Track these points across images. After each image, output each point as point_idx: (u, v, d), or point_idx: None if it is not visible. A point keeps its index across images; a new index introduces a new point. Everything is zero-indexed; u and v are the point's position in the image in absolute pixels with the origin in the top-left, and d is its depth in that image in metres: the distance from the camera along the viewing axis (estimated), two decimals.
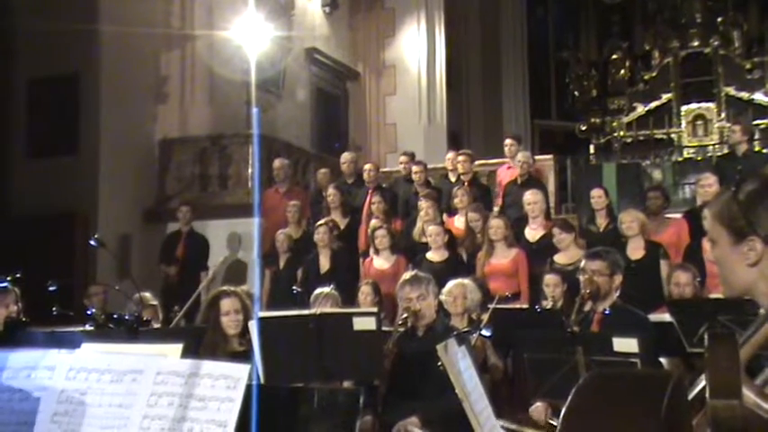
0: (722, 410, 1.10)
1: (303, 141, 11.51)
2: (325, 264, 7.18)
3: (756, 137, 15.39)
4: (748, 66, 16.90)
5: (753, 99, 16.53)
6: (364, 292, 6.03)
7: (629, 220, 6.12)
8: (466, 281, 5.33)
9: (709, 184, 6.42)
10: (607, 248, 4.55)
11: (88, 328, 3.38)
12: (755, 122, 16.02)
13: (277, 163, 8.75)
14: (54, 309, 4.24)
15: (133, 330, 2.82)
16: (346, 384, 4.22)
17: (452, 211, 7.80)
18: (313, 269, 7.18)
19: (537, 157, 9.08)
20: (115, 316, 3.09)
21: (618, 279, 4.19)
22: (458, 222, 7.53)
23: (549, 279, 5.48)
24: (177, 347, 1.87)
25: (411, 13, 13.17)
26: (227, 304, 4.01)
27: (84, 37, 8.76)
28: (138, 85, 9.50)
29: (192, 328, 4.57)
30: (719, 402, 1.10)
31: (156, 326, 5.25)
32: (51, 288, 4.43)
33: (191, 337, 3.43)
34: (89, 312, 4.06)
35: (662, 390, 1.05)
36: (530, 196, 6.92)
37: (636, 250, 6.05)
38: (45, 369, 1.76)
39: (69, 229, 8.66)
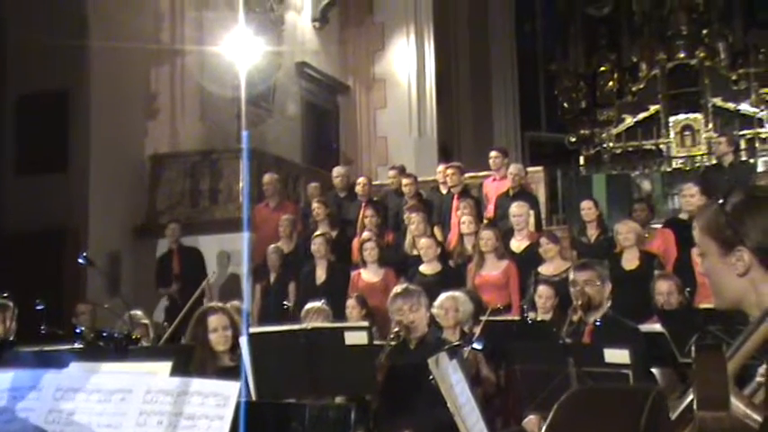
0: (710, 422, 1.10)
1: (294, 155, 11.51)
2: (321, 275, 7.17)
3: (743, 147, 15.51)
4: (734, 77, 17.04)
5: (739, 110, 16.66)
6: (350, 305, 6.02)
7: (626, 231, 6.18)
8: (457, 293, 5.33)
9: (691, 194, 6.48)
10: (592, 260, 4.58)
11: (76, 346, 3.36)
12: (742, 132, 16.13)
13: (267, 178, 8.74)
14: (42, 327, 4.20)
15: (122, 349, 2.80)
16: (338, 399, 4.21)
17: (446, 225, 7.82)
18: (309, 281, 7.16)
19: (527, 169, 9.10)
20: (104, 334, 3.07)
21: (608, 288, 4.21)
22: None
23: (543, 291, 5.49)
24: (166, 365, 1.85)
25: (400, 27, 13.23)
26: (214, 321, 3.99)
27: (74, 52, 8.74)
28: (128, 100, 9.48)
29: (181, 345, 4.54)
30: (707, 414, 1.11)
31: (146, 344, 5.22)
32: (39, 307, 4.39)
33: (180, 355, 3.41)
34: (78, 331, 4.03)
35: (641, 405, 1.05)
36: (514, 209, 7.00)
37: (631, 261, 6.11)
38: (32, 389, 1.75)
39: (59, 246, 8.61)
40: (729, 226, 1.54)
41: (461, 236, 7.29)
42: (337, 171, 9.04)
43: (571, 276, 4.29)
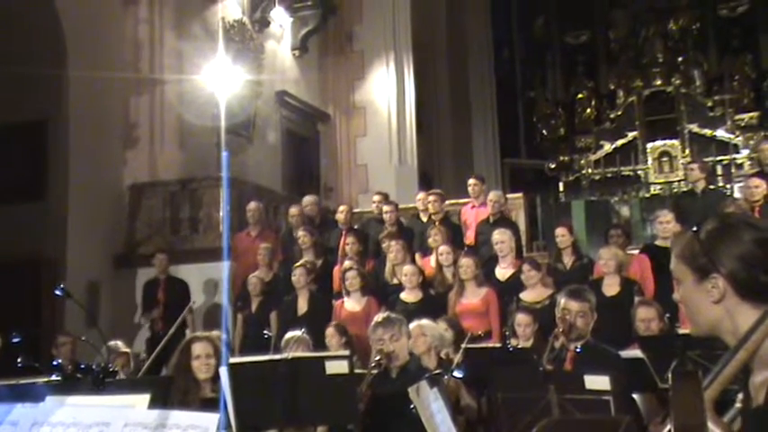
0: None
1: (274, 184, 11.50)
2: (303, 305, 7.13)
3: (720, 173, 15.73)
4: (709, 104, 17.32)
5: (715, 136, 16.91)
6: (329, 334, 5.98)
7: (607, 258, 6.21)
8: (424, 321, 5.26)
9: (666, 220, 6.55)
10: (583, 287, 4.61)
11: (54, 379, 3.31)
12: (718, 158, 16.37)
13: (252, 205, 8.73)
14: (19, 360, 4.13)
15: (99, 381, 2.76)
16: (320, 430, 4.17)
17: (426, 252, 7.81)
18: (290, 311, 7.12)
19: (507, 196, 9.14)
20: (82, 366, 3.03)
21: (594, 319, 4.27)
22: (433, 262, 7.54)
23: (521, 318, 5.49)
24: (144, 398, 1.84)
25: (380, 56, 13.33)
26: (198, 348, 3.97)
27: (53, 82, 8.72)
28: (108, 130, 9.46)
29: (160, 377, 4.49)
30: None
31: (130, 374, 5.16)
32: (15, 339, 4.32)
33: (158, 387, 3.37)
34: (55, 363, 3.97)
35: None
36: (497, 236, 6.99)
37: (611, 287, 6.13)
38: (8, 424, 1.72)
39: (36, 277, 8.51)
40: (704, 253, 1.56)
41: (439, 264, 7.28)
42: (306, 201, 9.05)
43: (561, 302, 4.30)
